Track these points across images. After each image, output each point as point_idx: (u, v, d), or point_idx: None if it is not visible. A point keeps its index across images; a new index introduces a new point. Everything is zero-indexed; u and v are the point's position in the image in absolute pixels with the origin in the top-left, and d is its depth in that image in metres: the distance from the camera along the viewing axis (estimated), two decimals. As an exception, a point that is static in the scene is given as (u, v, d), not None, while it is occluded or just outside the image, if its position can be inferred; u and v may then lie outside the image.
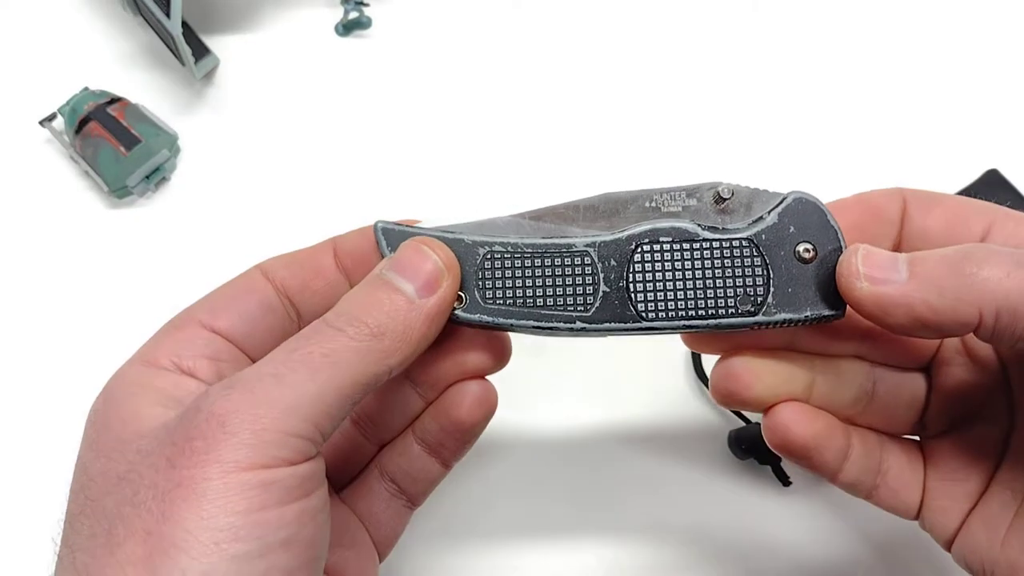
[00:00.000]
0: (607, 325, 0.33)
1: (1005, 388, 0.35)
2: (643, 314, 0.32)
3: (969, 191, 0.55)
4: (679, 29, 0.62)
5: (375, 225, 0.34)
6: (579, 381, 0.50)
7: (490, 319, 0.33)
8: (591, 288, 0.32)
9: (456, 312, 0.33)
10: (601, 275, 0.33)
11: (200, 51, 0.58)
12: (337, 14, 0.62)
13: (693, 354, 0.50)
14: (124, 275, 0.53)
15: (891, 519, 0.46)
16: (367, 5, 0.61)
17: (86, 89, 0.56)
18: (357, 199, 0.56)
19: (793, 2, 0.63)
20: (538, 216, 0.34)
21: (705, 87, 0.60)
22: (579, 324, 0.32)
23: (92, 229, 0.55)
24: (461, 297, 0.33)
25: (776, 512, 0.47)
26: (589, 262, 0.33)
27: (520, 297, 0.33)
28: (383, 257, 0.33)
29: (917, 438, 0.38)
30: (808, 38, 0.62)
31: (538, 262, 0.33)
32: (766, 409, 0.35)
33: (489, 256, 0.33)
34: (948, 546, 0.35)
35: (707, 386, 0.49)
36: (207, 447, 0.26)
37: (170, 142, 0.56)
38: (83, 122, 0.54)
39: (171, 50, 0.58)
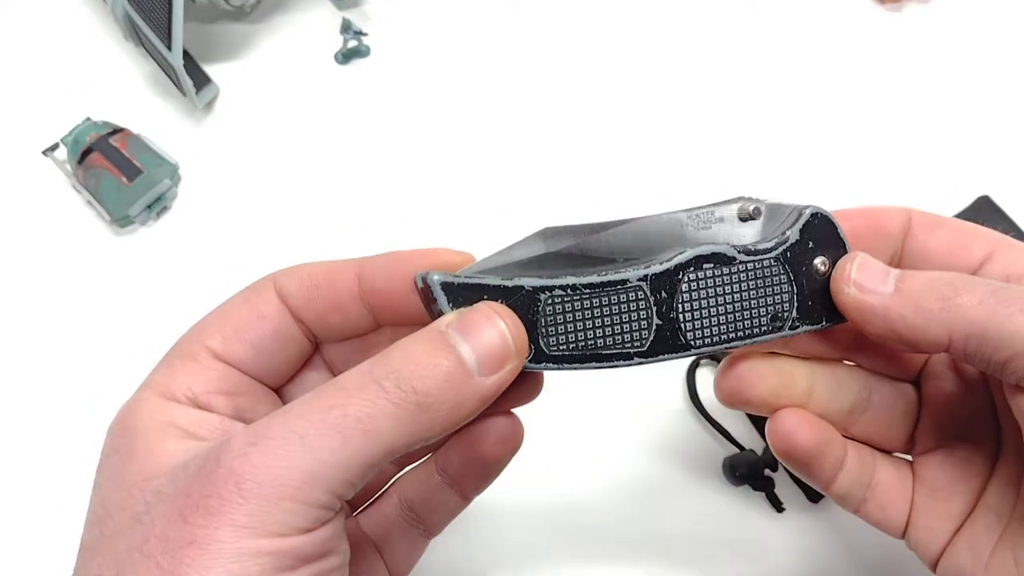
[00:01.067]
0: (660, 357, 0.32)
1: (992, 409, 0.36)
2: (691, 342, 0.33)
3: (961, 217, 0.55)
4: (679, 43, 0.63)
5: (429, 278, 0.30)
6: (574, 407, 0.50)
7: (555, 366, 0.32)
8: (645, 323, 0.32)
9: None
10: (654, 308, 0.32)
11: (201, 81, 0.59)
12: (336, 43, 0.63)
13: (689, 381, 0.50)
14: (127, 304, 0.54)
15: (883, 546, 0.46)
16: (366, 34, 0.62)
17: (88, 119, 0.57)
18: (360, 226, 0.56)
19: (790, 27, 0.64)
20: (581, 250, 0.34)
21: (707, 101, 0.61)
22: (636, 360, 0.32)
23: (95, 258, 0.56)
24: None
25: (770, 538, 0.48)
26: (642, 296, 0.32)
27: (582, 341, 0.32)
28: (434, 310, 0.30)
29: (909, 457, 0.38)
30: (805, 63, 0.63)
31: (596, 302, 0.32)
32: (771, 413, 0.35)
33: (550, 302, 0.31)
34: (933, 566, 0.36)
35: (702, 413, 0.50)
36: (221, 508, 0.25)
37: (171, 171, 0.56)
38: (86, 153, 0.55)
39: (172, 80, 0.59)
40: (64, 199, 0.57)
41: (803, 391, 0.35)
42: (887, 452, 0.38)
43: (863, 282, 0.32)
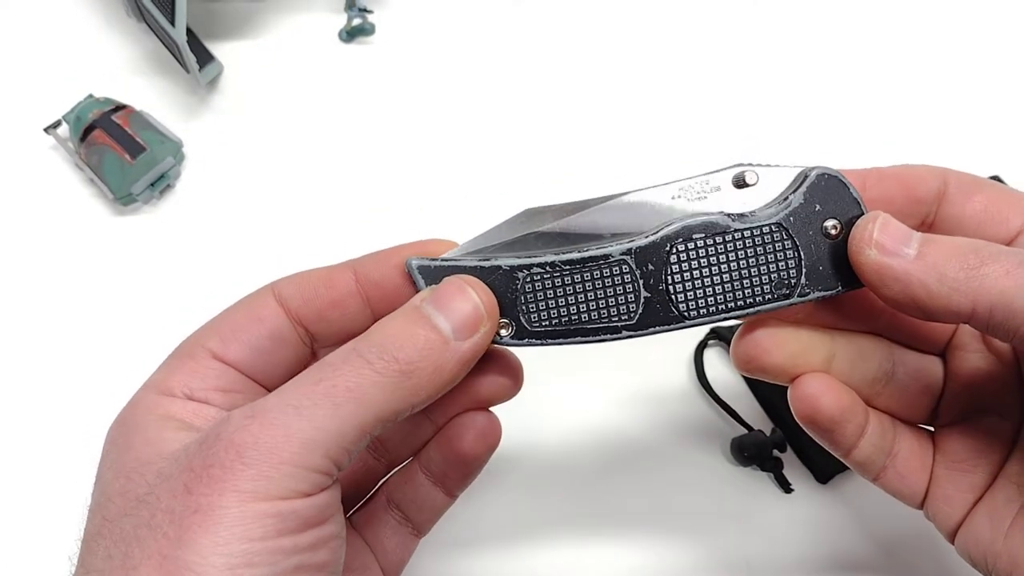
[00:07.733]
0: (651, 329, 0.33)
1: (1020, 382, 0.35)
2: (685, 313, 0.32)
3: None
4: (684, 17, 0.63)
5: (408, 263, 0.33)
6: (581, 389, 0.50)
7: (539, 342, 0.33)
8: (632, 296, 0.32)
9: (504, 339, 0.32)
10: (640, 281, 0.32)
11: (204, 58, 0.58)
12: (340, 21, 0.62)
13: (696, 361, 0.50)
14: (129, 283, 0.54)
15: (892, 526, 0.46)
16: (370, 12, 0.62)
17: (91, 96, 0.56)
18: (362, 205, 0.56)
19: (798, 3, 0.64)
20: (565, 228, 0.34)
21: (706, 81, 0.60)
22: (625, 333, 0.32)
23: (97, 237, 0.55)
24: (506, 324, 0.32)
25: (777, 519, 0.47)
26: (627, 270, 0.32)
27: (565, 316, 0.32)
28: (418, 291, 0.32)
29: (931, 428, 0.38)
30: (814, 39, 0.62)
31: (577, 277, 0.32)
32: (792, 379, 0.35)
33: (529, 280, 0.32)
34: (951, 537, 0.36)
35: (710, 393, 0.49)
36: (224, 475, 0.26)
37: (175, 149, 0.56)
38: (88, 130, 0.54)
39: (175, 57, 0.58)
40: (66, 177, 0.57)
41: (822, 360, 0.35)
42: (909, 423, 0.37)
43: (885, 243, 0.31)
